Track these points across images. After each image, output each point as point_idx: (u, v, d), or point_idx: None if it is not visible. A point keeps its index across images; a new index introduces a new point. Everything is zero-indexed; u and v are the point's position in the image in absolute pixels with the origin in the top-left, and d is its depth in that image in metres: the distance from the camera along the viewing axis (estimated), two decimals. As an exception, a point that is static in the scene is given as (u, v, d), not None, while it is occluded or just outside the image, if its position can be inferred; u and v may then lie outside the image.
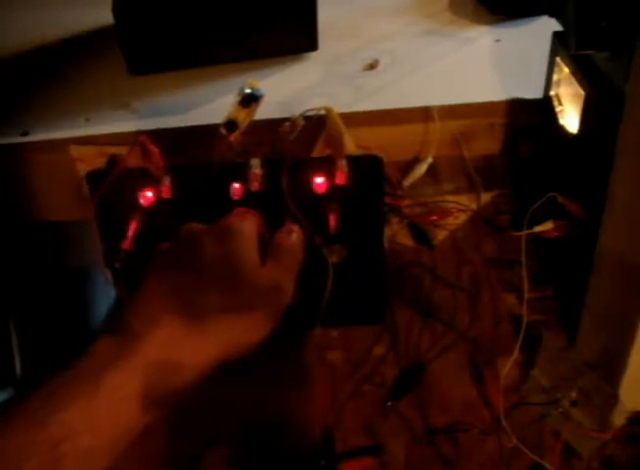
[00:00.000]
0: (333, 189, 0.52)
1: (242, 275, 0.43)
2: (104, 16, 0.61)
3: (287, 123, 0.57)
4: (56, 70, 0.67)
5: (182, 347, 0.41)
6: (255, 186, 0.52)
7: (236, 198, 0.52)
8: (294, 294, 0.46)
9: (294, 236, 0.48)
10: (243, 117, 0.55)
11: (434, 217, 0.60)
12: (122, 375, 0.39)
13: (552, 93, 0.56)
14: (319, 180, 0.52)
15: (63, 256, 0.63)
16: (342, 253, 0.52)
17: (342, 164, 0.51)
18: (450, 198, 0.60)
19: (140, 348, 0.40)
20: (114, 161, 0.55)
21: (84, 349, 0.40)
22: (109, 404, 0.38)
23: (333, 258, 0.50)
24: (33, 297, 0.62)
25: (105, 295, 0.62)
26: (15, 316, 0.60)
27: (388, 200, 0.57)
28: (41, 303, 0.62)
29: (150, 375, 0.39)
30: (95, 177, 0.53)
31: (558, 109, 0.56)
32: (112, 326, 0.42)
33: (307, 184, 0.52)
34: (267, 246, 0.47)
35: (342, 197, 0.52)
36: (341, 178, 0.51)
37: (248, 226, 0.45)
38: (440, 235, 0.61)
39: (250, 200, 0.52)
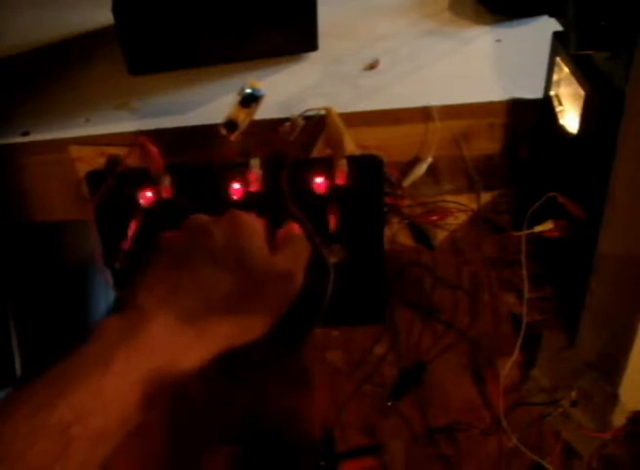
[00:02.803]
0: (332, 189, 0.52)
1: (252, 263, 0.44)
2: (104, 16, 0.61)
3: (287, 124, 0.57)
4: (56, 70, 0.67)
5: (191, 331, 0.41)
6: (255, 186, 0.52)
7: (236, 198, 0.52)
8: (302, 284, 0.46)
9: (298, 230, 0.49)
10: (243, 118, 0.55)
11: (434, 217, 0.60)
12: (131, 358, 0.38)
13: (552, 93, 0.56)
14: (319, 180, 0.52)
15: (62, 255, 0.63)
16: (342, 253, 0.52)
17: (342, 163, 0.51)
18: (450, 198, 0.60)
19: (148, 331, 0.39)
20: (113, 161, 0.55)
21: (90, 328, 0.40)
22: (118, 387, 0.37)
23: (333, 258, 0.50)
24: (33, 297, 0.62)
25: (104, 295, 0.62)
26: (15, 316, 0.60)
27: (388, 200, 0.57)
28: (41, 302, 0.62)
29: (158, 359, 0.39)
30: (95, 177, 0.53)
31: (558, 109, 0.56)
32: (119, 307, 0.42)
33: (307, 184, 0.52)
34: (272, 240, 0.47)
35: (341, 197, 0.52)
36: (340, 178, 0.51)
37: (254, 218, 0.47)
38: (440, 235, 0.61)
39: (249, 200, 0.52)
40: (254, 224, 0.46)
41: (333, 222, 0.52)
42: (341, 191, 0.52)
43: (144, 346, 0.39)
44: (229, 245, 0.44)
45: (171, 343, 0.40)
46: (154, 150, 0.53)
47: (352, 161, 0.52)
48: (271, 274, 0.44)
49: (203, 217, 0.46)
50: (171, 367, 0.40)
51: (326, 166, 0.52)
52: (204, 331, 0.42)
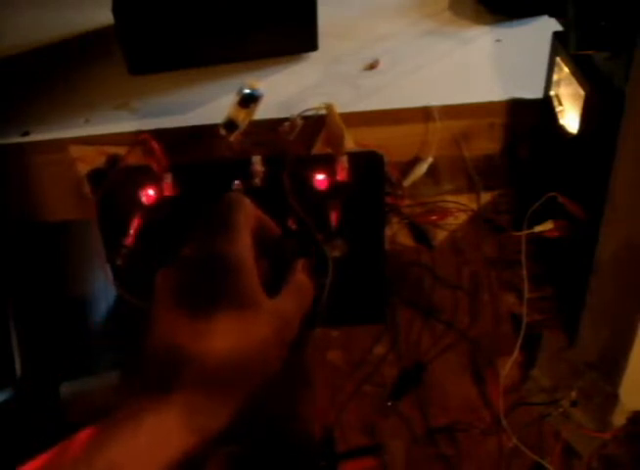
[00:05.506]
0: (334, 185, 0.52)
1: (248, 312, 0.41)
2: (104, 16, 0.61)
3: (286, 123, 0.57)
4: (56, 70, 0.67)
5: (210, 385, 0.41)
6: (257, 183, 0.52)
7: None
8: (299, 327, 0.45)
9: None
10: (242, 118, 0.55)
11: (434, 217, 0.60)
12: (160, 418, 0.38)
13: (552, 93, 0.56)
14: (320, 177, 0.52)
15: (63, 255, 0.63)
16: (344, 248, 0.52)
17: (343, 160, 0.52)
18: (450, 198, 0.60)
19: (173, 397, 0.40)
20: (114, 160, 0.55)
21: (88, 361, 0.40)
22: (150, 442, 0.37)
23: (334, 253, 0.50)
24: (33, 297, 0.62)
25: (105, 295, 0.62)
26: (15, 316, 0.60)
27: (388, 200, 0.57)
28: (41, 302, 0.62)
29: (186, 415, 0.39)
30: (96, 176, 0.53)
31: (558, 109, 0.56)
32: (132, 374, 0.41)
33: (308, 181, 0.52)
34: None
35: (342, 193, 0.52)
36: (341, 175, 0.52)
37: (242, 249, 0.42)
38: (440, 235, 0.61)
39: (251, 197, 0.52)
40: (243, 260, 0.41)
41: (334, 218, 0.52)
42: (342, 187, 0.52)
43: (172, 410, 0.39)
44: (221, 295, 0.41)
45: (197, 401, 0.40)
46: (157, 147, 0.53)
47: (353, 157, 0.52)
48: (267, 321, 0.41)
49: (187, 258, 0.42)
50: (201, 422, 0.40)
51: (327, 163, 0.52)
52: (223, 382, 0.41)
